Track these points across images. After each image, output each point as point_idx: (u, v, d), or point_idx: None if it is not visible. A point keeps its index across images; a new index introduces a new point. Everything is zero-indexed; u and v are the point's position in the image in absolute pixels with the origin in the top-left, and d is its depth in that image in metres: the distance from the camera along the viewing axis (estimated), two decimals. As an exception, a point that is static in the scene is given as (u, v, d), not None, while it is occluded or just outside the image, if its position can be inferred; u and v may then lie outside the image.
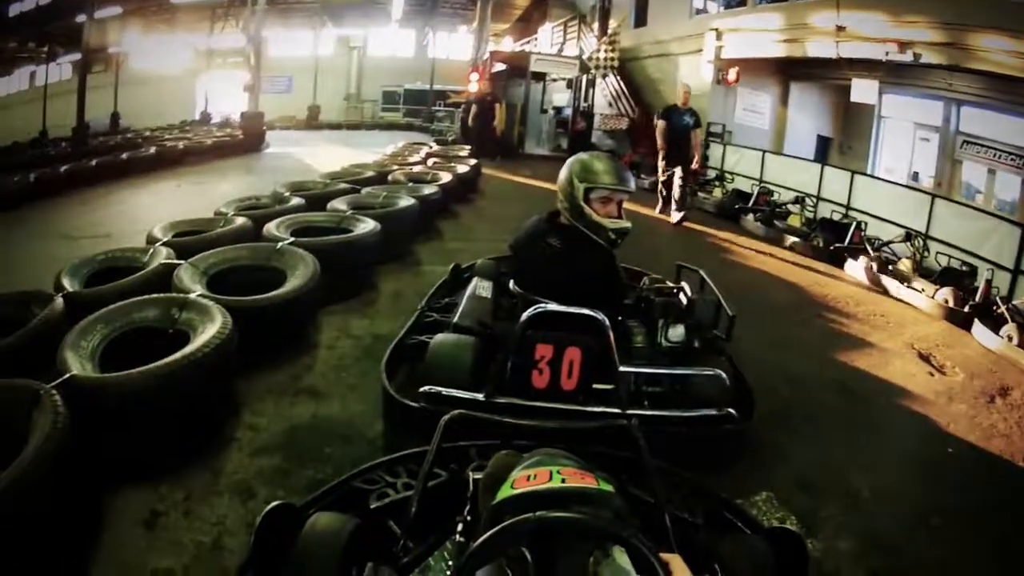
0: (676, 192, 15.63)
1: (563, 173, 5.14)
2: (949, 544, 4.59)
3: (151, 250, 7.16)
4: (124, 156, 20.17)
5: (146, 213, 12.43)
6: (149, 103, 38.39)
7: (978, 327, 9.61)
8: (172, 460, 4.45)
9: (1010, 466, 6.00)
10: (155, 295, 5.60)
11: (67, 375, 4.18)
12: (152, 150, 21.44)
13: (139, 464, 4.36)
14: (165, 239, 7.72)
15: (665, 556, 1.79)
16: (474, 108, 23.73)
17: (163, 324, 5.26)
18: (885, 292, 11.52)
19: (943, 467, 5.84)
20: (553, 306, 4.61)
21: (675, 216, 15.60)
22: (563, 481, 2.01)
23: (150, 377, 4.23)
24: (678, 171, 15.50)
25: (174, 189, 17.17)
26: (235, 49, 38.69)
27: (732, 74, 23.02)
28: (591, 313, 4.56)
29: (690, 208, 16.35)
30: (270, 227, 8.04)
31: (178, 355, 4.47)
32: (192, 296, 5.58)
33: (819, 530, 4.48)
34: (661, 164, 16.03)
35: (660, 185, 16.35)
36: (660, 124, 15.46)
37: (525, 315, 4.51)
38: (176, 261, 6.69)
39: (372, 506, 3.31)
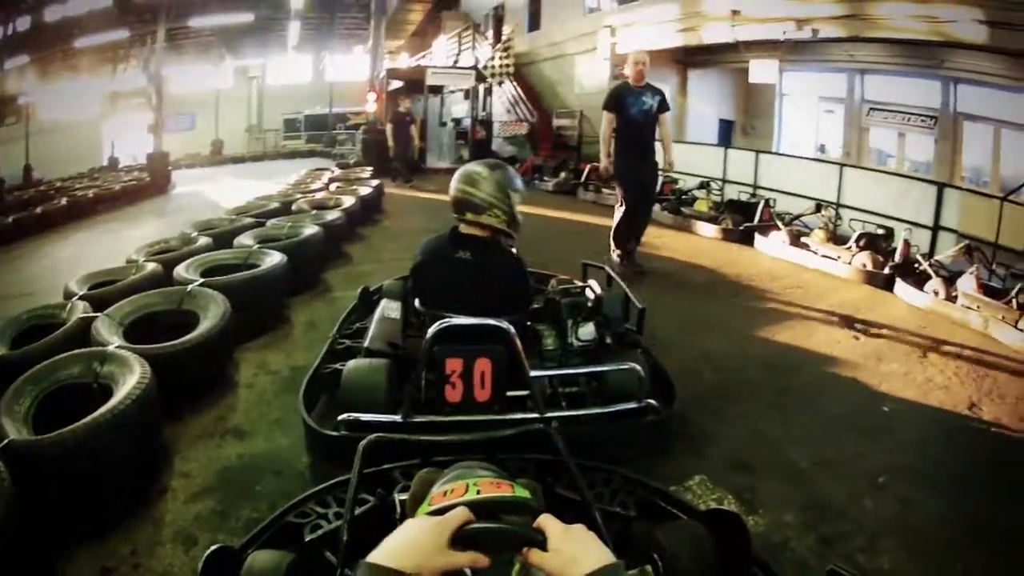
0: (641, 231, 11.00)
1: (487, 186, 5.03)
2: (900, 501, 4.66)
3: (69, 305, 7.07)
4: (39, 210, 19.98)
5: (66, 266, 12.19)
6: (60, 152, 37.95)
7: (901, 286, 9.85)
8: (114, 514, 4.41)
9: (952, 416, 6.14)
10: (77, 351, 5.51)
11: (5, 440, 4.13)
12: (64, 201, 21.27)
13: (84, 522, 4.28)
14: (81, 292, 7.65)
15: (537, 520, 1.78)
16: (391, 128, 23.23)
17: (87, 379, 5.18)
18: (801, 264, 11.72)
19: (881, 427, 5.89)
20: (457, 320, 4.60)
21: (638, 261, 10.79)
22: (478, 492, 1.98)
23: (78, 435, 4.17)
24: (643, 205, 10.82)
25: (89, 239, 16.93)
26: (138, 90, 38.42)
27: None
28: (494, 322, 4.55)
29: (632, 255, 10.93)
30: (179, 270, 8.00)
31: (103, 409, 4.41)
32: (110, 348, 5.50)
33: (760, 506, 4.51)
34: (619, 191, 10.76)
35: (619, 226, 10.72)
36: (607, 117, 10.48)
37: (430, 331, 4.50)
38: (93, 314, 6.63)
39: (307, 539, 3.28)
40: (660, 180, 13.41)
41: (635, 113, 10.37)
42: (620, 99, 10.50)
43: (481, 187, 4.99)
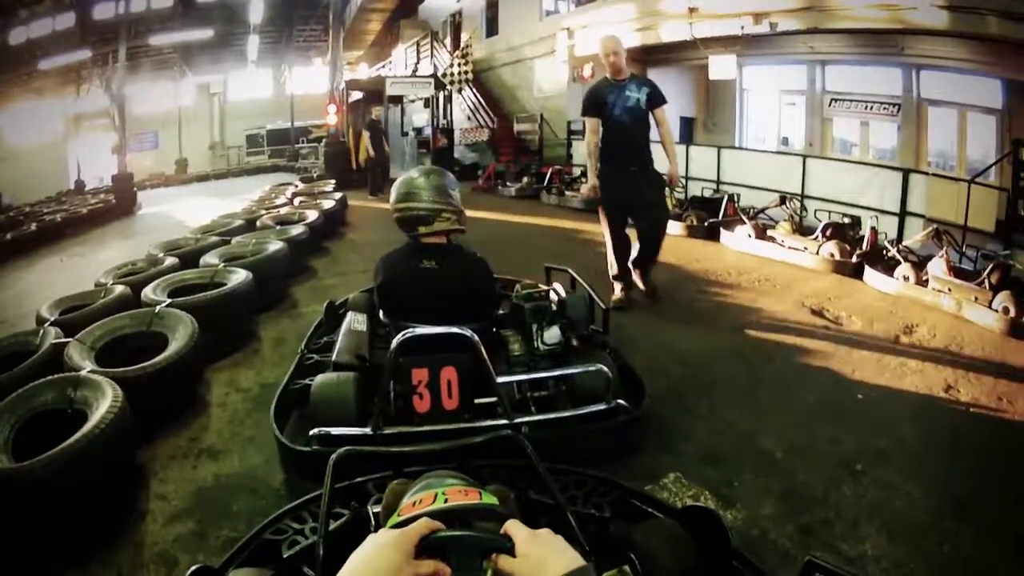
0: (648, 253, 8.79)
1: (428, 195, 5.10)
2: (879, 486, 4.67)
3: (41, 331, 7.05)
4: (9, 236, 20.03)
5: (36, 292, 12.25)
6: (27, 176, 37.83)
7: (870, 273, 9.92)
8: (95, 539, 4.39)
9: (928, 399, 6.19)
10: (50, 377, 5.48)
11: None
12: (33, 227, 21.33)
13: (66, 547, 4.28)
14: (52, 318, 7.64)
15: (504, 526, 1.79)
16: (367, 136, 23.25)
17: (62, 405, 5.18)
18: (768, 257, 11.79)
19: (856, 414, 5.91)
20: (421, 329, 4.60)
21: (648, 287, 8.98)
22: (446, 501, 1.99)
23: (56, 461, 4.18)
24: (648, 226, 8.69)
25: (58, 264, 16.92)
26: (101, 110, 38.40)
27: (587, 70, 23.05)
28: (458, 330, 4.55)
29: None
30: (147, 291, 7.97)
31: (78, 435, 4.41)
32: (83, 373, 5.48)
33: (737, 499, 4.50)
34: (600, 212, 8.88)
35: (611, 253, 8.88)
36: (590, 124, 8.71)
37: (394, 343, 4.50)
38: (64, 340, 6.60)
39: (285, 555, 3.25)
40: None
41: (619, 114, 8.47)
42: (599, 99, 8.57)
43: (422, 198, 5.06)
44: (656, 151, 8.80)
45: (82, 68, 42.10)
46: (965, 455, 5.30)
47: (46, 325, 7.23)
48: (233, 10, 44.87)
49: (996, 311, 8.06)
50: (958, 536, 4.11)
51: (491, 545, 1.73)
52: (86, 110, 43.85)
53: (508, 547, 1.70)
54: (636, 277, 8.97)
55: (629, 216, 8.74)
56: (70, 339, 6.52)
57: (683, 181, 17.06)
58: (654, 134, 8.82)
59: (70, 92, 43.70)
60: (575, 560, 1.62)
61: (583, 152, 20.97)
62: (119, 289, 8.39)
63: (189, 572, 2.70)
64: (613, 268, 8.92)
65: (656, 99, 8.58)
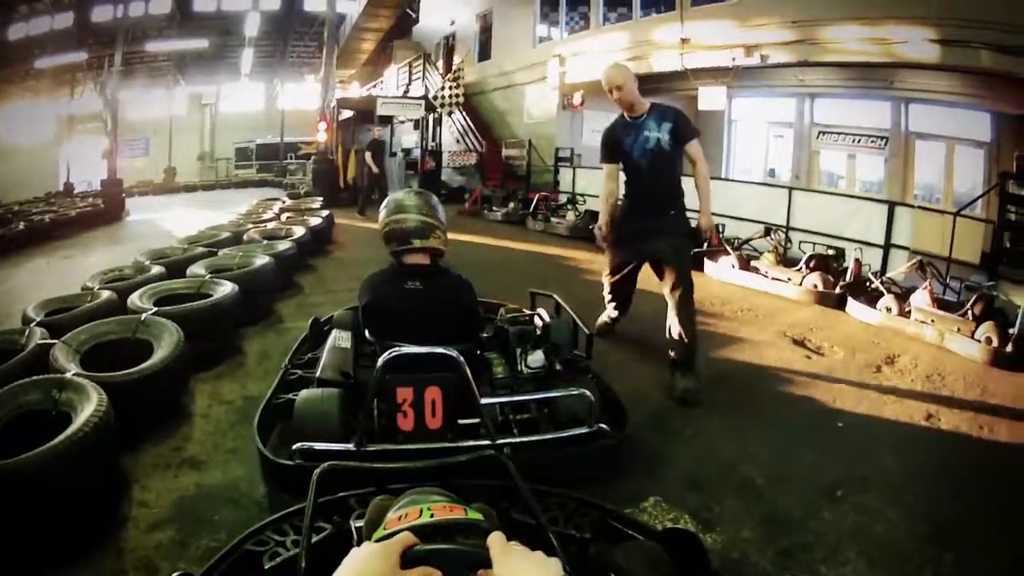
0: (675, 330, 7.06)
1: (422, 210, 5.12)
2: (859, 511, 4.70)
3: (27, 331, 7.04)
4: (-1, 234, 19.83)
5: (24, 293, 12.08)
6: (17, 175, 37.74)
7: (853, 304, 10.01)
8: (77, 542, 4.38)
9: (909, 427, 6.24)
10: (36, 377, 5.45)
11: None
12: (22, 226, 21.19)
13: (46, 549, 4.26)
14: (39, 319, 7.65)
15: (488, 540, 1.80)
16: (369, 155, 23.27)
17: (47, 406, 5.15)
18: (752, 288, 11.86)
19: (836, 442, 5.94)
20: (407, 348, 4.59)
21: (679, 383, 6.81)
22: (432, 516, 2.01)
23: (40, 460, 4.17)
24: (669, 290, 7.21)
25: (46, 265, 16.75)
26: (94, 114, 38.41)
27: (577, 98, 23.27)
28: (444, 351, 4.56)
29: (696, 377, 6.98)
30: (133, 298, 7.94)
31: (61, 436, 4.40)
32: (68, 376, 5.45)
33: (717, 523, 4.51)
34: (607, 271, 8.21)
35: (607, 296, 8.45)
36: (606, 171, 7.47)
37: (380, 361, 4.50)
38: (50, 341, 6.59)
39: (267, 567, 3.25)
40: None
41: (637, 157, 7.20)
42: (613, 141, 7.35)
43: (417, 212, 5.09)
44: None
45: (77, 70, 42.20)
46: (946, 482, 5.36)
47: (32, 325, 7.23)
48: (229, 22, 45.13)
49: (979, 341, 8.15)
50: (939, 561, 4.15)
51: (476, 559, 1.75)
52: (79, 112, 43.95)
53: (487, 558, 1.72)
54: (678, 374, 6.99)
55: (639, 260, 7.79)
56: (56, 340, 6.52)
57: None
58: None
59: (64, 93, 43.83)
60: (556, 569, 1.64)
61: (569, 180, 21.13)
62: (106, 294, 8.40)
63: None
64: (608, 298, 8.48)
65: (683, 134, 7.11)
